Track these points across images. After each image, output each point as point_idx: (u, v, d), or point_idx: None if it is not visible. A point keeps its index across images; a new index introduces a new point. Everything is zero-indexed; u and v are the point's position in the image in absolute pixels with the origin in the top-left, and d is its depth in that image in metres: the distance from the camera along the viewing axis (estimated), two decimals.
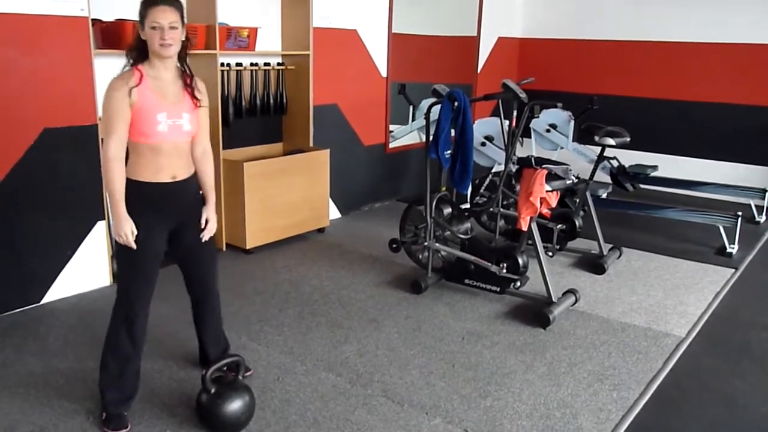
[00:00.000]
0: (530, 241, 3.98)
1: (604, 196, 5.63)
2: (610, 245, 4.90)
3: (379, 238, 5.23)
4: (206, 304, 3.00)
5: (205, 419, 2.64)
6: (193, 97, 2.62)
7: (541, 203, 3.71)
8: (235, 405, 2.61)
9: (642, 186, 6.21)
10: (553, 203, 3.81)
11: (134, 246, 2.51)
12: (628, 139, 4.62)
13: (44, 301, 3.89)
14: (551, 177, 3.66)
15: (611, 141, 4.48)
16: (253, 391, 2.73)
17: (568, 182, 3.71)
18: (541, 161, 3.82)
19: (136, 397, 2.78)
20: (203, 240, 2.77)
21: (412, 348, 3.46)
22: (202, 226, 2.74)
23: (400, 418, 2.81)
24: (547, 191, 3.65)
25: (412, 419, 2.81)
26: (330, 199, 5.46)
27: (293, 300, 4.05)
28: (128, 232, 2.50)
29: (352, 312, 3.88)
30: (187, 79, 2.62)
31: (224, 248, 4.89)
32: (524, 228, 3.76)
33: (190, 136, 2.64)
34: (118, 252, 2.61)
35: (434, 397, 2.98)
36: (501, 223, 4.88)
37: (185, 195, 2.69)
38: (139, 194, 2.54)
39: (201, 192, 2.78)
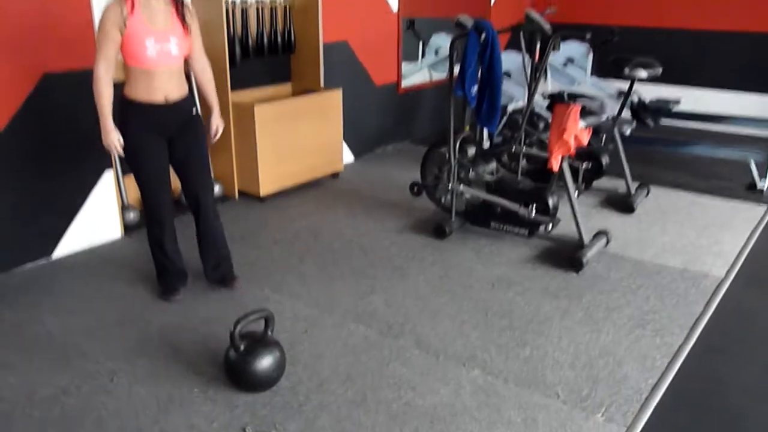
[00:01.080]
0: (560, 182, 3.79)
1: (628, 132, 5.40)
2: (637, 183, 4.72)
3: (395, 181, 5.04)
4: (205, 215, 3.19)
5: (234, 377, 2.52)
6: (183, 21, 2.87)
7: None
8: (265, 362, 2.49)
9: (664, 121, 5.97)
10: (585, 141, 3.60)
11: (122, 153, 2.86)
12: (660, 71, 4.37)
13: (55, 255, 3.74)
14: (585, 113, 3.44)
15: (643, 73, 4.23)
16: (282, 347, 2.60)
17: (603, 118, 3.50)
18: (574, 96, 3.58)
19: (187, 277, 3.31)
20: (210, 142, 3.16)
21: (442, 296, 3.32)
22: (210, 132, 3.14)
23: (437, 371, 2.69)
24: (580, 128, 3.44)
25: (450, 371, 2.69)
26: (343, 142, 5.25)
27: (313, 249, 3.89)
28: (115, 141, 2.83)
29: (376, 260, 3.73)
30: (176, 4, 2.85)
31: (237, 196, 4.71)
32: (555, 168, 3.57)
33: (180, 60, 2.90)
34: (131, 166, 2.96)
35: (470, 348, 2.85)
36: (523, 163, 4.68)
37: (178, 114, 2.97)
38: (136, 113, 2.86)
39: (195, 110, 3.07)
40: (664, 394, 2.55)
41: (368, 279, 3.50)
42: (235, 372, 2.51)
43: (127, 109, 2.87)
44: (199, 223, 3.21)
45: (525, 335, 2.96)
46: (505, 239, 3.98)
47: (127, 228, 4.07)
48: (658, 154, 5.68)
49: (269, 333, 2.57)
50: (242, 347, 2.48)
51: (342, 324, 3.04)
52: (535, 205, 3.74)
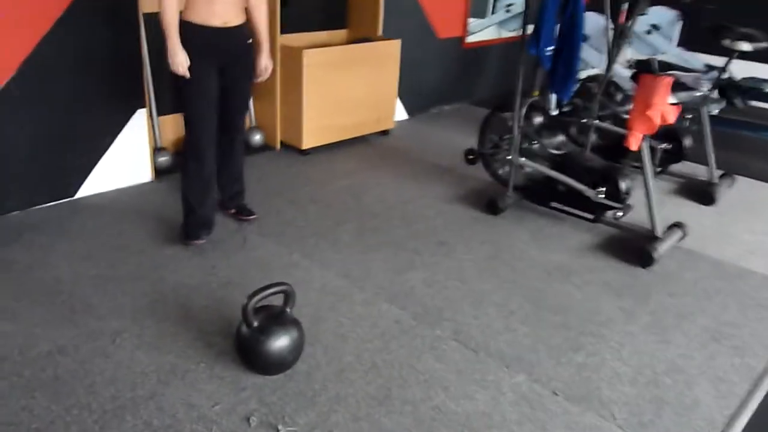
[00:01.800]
0: (636, 164, 3.33)
1: (715, 112, 4.82)
2: (721, 171, 4.19)
3: (449, 145, 4.63)
4: (232, 144, 3.15)
5: (245, 356, 2.23)
6: None
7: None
8: (280, 343, 2.18)
9: (754, 103, 5.36)
10: (672, 119, 3.12)
11: (188, 75, 2.72)
12: (766, 45, 3.80)
13: (78, 195, 3.51)
14: (677, 87, 2.96)
15: (746, 46, 3.67)
16: (302, 326, 2.29)
17: (698, 94, 3.01)
18: (666, 66, 3.09)
19: (212, 226, 3.13)
20: (253, 81, 3.07)
21: (488, 280, 2.95)
22: (258, 71, 3.03)
23: (475, 371, 2.34)
24: (669, 104, 2.96)
25: (490, 373, 2.34)
26: (397, 98, 4.85)
27: (352, 212, 3.55)
28: (182, 61, 2.71)
29: (419, 231, 3.38)
30: None
31: (278, 146, 4.39)
32: (634, 147, 3.11)
33: None
34: (181, 93, 2.85)
35: (516, 346, 2.49)
36: (593, 137, 4.20)
37: (234, 39, 2.89)
38: (194, 36, 2.75)
39: (250, 40, 2.96)
40: (744, 431, 2.15)
41: (408, 252, 3.15)
42: (246, 351, 2.22)
43: (185, 32, 2.75)
44: (224, 147, 3.10)
45: (581, 337, 2.58)
46: (565, 222, 3.56)
47: (159, 172, 3.81)
48: (745, 140, 5.10)
49: (288, 310, 2.26)
50: (256, 324, 2.18)
51: (373, 302, 2.72)
52: (605, 187, 3.30)
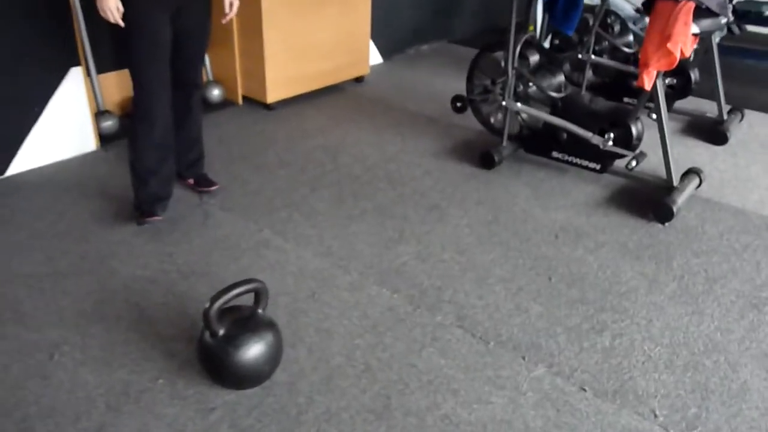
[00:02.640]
0: (647, 104, 2.94)
1: (716, 40, 4.42)
2: (729, 106, 3.82)
3: (432, 91, 4.19)
4: (188, 102, 2.70)
5: (212, 370, 1.84)
6: None
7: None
8: (253, 352, 1.80)
9: (752, 29, 4.95)
10: (689, 52, 2.71)
11: (122, 24, 2.30)
12: None
13: (9, 172, 3.03)
14: (700, 13, 2.54)
15: None
16: (278, 327, 1.90)
17: (723, 21, 2.60)
18: None
19: (170, 198, 2.70)
20: (217, 22, 2.63)
21: (491, 250, 2.58)
22: (225, 8, 2.55)
23: (487, 365, 1.99)
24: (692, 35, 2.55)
25: (504, 367, 1.99)
26: (370, 40, 4.35)
27: (329, 175, 3.13)
28: (113, 8, 2.25)
29: (406, 194, 2.97)
30: None
31: (240, 102, 3.91)
32: (647, 86, 2.71)
33: None
34: (126, 44, 2.40)
35: (530, 331, 2.14)
36: (589, 74, 3.80)
37: None
38: None
39: None
40: None
41: (396, 220, 2.76)
42: (213, 364, 1.83)
43: None
44: (179, 106, 2.63)
45: (602, 314, 2.23)
46: (568, 174, 3.18)
47: (104, 139, 3.33)
48: (749, 70, 4.72)
49: (261, 311, 1.87)
50: (222, 332, 1.78)
51: (361, 285, 2.33)
52: (613, 132, 2.91)
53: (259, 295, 1.85)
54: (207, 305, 1.76)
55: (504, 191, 3.02)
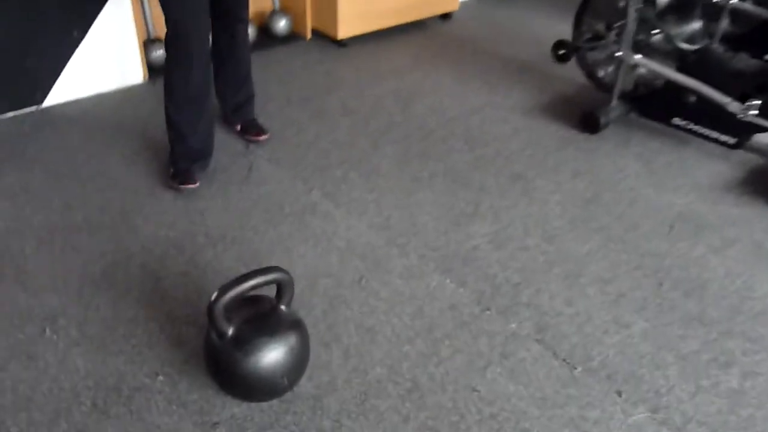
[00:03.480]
0: None
1: None
2: None
3: (528, 34, 3.59)
4: (234, 39, 2.32)
5: (218, 377, 1.47)
6: None
7: None
8: (269, 360, 1.41)
9: None
10: None
11: None
12: None
13: (47, 103, 2.73)
14: None
15: None
16: (305, 329, 1.51)
17: None
18: None
19: (210, 158, 2.29)
20: None
21: (586, 238, 2.07)
22: None
23: (571, 399, 1.53)
24: None
25: (593, 404, 1.52)
26: None
27: (397, 128, 2.67)
28: None
29: (486, 157, 2.48)
30: None
31: (308, 36, 3.46)
32: None
33: None
34: None
35: (631, 356, 1.65)
36: (725, 23, 3.10)
37: None
38: None
39: None
40: None
41: (471, 190, 2.28)
42: (218, 369, 1.46)
43: None
44: (223, 43, 2.30)
45: (728, 340, 1.71)
46: (690, 146, 2.58)
47: (153, 70, 2.98)
48: None
49: (282, 307, 1.47)
50: (231, 332, 1.40)
51: (420, 272, 1.90)
52: (759, 99, 2.28)
53: (282, 288, 1.45)
54: (212, 298, 1.37)
55: (608, 163, 2.47)
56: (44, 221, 2.06)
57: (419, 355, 1.63)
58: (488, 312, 1.77)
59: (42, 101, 2.71)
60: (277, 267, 1.43)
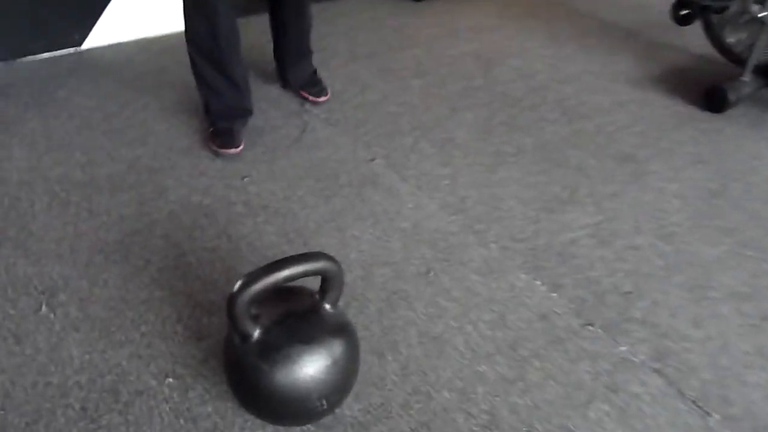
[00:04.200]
0: None
1: None
2: None
3: None
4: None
5: (238, 390, 1.13)
6: None
7: None
8: (303, 374, 1.05)
9: None
10: None
11: None
12: None
13: (86, 45, 2.45)
14: None
15: None
16: (355, 336, 1.15)
17: None
18: None
19: (248, 115, 1.95)
20: None
21: (714, 240, 1.64)
22: None
23: None
24: None
25: None
26: None
27: (478, 93, 2.26)
28: None
29: (586, 132, 2.05)
30: None
31: None
32: None
33: None
34: None
35: (761, 396, 1.24)
36: None
37: None
38: None
39: None
40: None
41: (567, 170, 1.87)
42: (239, 381, 1.11)
43: None
44: (282, 8, 1.99)
45: None
46: None
47: None
48: None
49: (327, 305, 1.11)
50: (257, 333, 1.05)
51: (502, 268, 1.51)
52: None
53: (328, 281, 1.09)
54: (235, 288, 1.03)
55: (737, 148, 2.01)
56: (62, 175, 1.76)
57: (499, 379, 1.25)
58: (590, 327, 1.37)
59: (81, 43, 2.43)
60: (323, 254, 1.07)
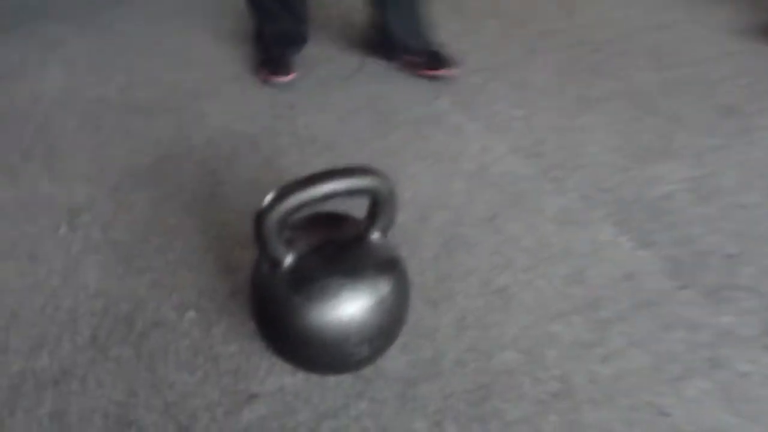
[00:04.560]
0: None
1: None
2: None
3: None
4: None
5: (263, 327, 0.96)
6: None
7: None
8: (343, 312, 0.88)
9: None
10: None
11: None
12: None
13: None
14: None
15: None
16: (406, 275, 0.96)
17: None
18: None
19: (303, 42, 1.75)
20: None
21: None
22: None
23: None
24: None
25: None
26: None
27: (559, 36, 2.02)
28: None
29: (682, 81, 1.79)
30: None
31: None
32: None
33: None
34: None
35: None
36: None
37: None
38: None
39: None
40: None
41: (659, 118, 1.62)
42: (266, 316, 0.94)
43: None
44: None
45: None
46: None
47: None
48: None
49: (377, 234, 0.93)
50: (289, 260, 0.88)
51: (583, 219, 1.29)
52: None
53: (379, 204, 0.90)
54: (265, 202, 0.85)
55: None
56: (99, 96, 1.63)
57: (575, 342, 1.05)
58: (686, 291, 1.14)
59: None
60: (373, 169, 0.89)
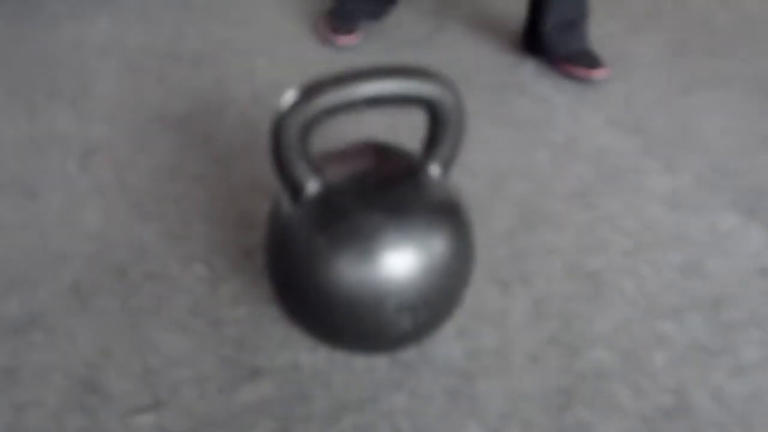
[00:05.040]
0: None
1: None
2: None
3: None
4: None
5: (278, 284, 0.74)
6: None
7: None
8: (382, 265, 0.64)
9: None
10: None
11: None
12: None
13: None
14: None
15: None
16: (468, 225, 0.72)
17: None
18: None
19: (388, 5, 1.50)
20: None
21: None
22: None
23: None
24: None
25: None
26: None
27: (667, 16, 1.75)
28: None
29: None
30: None
31: None
32: None
33: None
34: None
35: None
36: None
37: None
38: None
39: None
40: None
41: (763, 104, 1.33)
42: (280, 265, 0.72)
43: None
44: None
45: None
46: None
47: None
48: None
49: (433, 167, 0.69)
50: (316, 188, 0.66)
51: (700, 204, 1.02)
52: None
53: (441, 124, 0.67)
54: (284, 105, 0.63)
55: None
56: (143, 45, 1.48)
57: (694, 347, 0.77)
58: None
59: None
60: (434, 73, 0.66)
